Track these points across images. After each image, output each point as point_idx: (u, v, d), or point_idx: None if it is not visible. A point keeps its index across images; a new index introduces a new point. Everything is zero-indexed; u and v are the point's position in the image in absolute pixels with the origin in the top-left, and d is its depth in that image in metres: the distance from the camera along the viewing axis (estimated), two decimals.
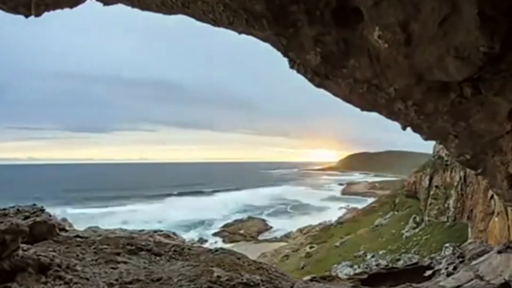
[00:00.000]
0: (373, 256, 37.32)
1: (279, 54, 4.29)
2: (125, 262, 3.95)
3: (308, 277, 6.04)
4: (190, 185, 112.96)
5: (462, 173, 37.34)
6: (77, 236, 4.53)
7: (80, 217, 42.42)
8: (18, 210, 4.35)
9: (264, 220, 63.26)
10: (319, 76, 4.26)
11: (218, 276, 3.71)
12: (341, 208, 73.06)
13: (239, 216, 65.07)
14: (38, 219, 4.26)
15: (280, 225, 61.16)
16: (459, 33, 2.84)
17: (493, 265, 5.90)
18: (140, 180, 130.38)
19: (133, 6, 4.66)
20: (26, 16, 4.57)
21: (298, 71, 4.31)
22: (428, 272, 7.67)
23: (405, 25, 3.05)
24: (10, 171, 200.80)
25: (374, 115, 4.64)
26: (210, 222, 62.18)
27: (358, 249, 40.84)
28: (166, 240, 4.95)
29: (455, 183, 39.04)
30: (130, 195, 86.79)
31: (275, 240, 53.01)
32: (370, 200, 67.09)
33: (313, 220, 62.16)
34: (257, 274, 4.23)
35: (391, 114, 4.50)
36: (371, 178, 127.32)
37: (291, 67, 4.32)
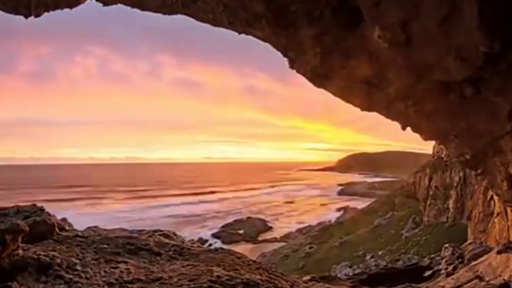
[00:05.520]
0: (372, 257, 37.27)
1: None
2: (125, 262, 3.95)
3: (307, 277, 6.04)
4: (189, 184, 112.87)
5: (461, 174, 37.39)
6: (77, 235, 4.53)
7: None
8: (18, 210, 4.35)
9: (263, 220, 63.20)
10: (319, 76, 4.27)
11: (218, 276, 3.71)
12: (340, 208, 73.10)
13: (238, 216, 65.01)
14: (38, 218, 4.26)
15: (280, 225, 61.15)
16: (459, 33, 2.85)
17: (493, 266, 5.91)
18: None
19: (133, 6, 4.67)
20: (26, 16, 4.57)
21: (298, 71, 4.32)
22: (428, 273, 7.69)
23: (405, 25, 3.05)
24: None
25: (374, 115, 4.65)
26: (210, 221, 62.19)
27: (357, 249, 40.83)
28: (166, 240, 4.95)
29: (455, 184, 39.08)
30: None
31: (275, 240, 52.99)
32: (370, 200, 67.00)
33: (313, 220, 62.18)
34: (257, 273, 4.23)
35: (391, 114, 4.51)
36: (371, 179, 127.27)
37: (291, 67, 4.32)
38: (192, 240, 5.99)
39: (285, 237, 53.87)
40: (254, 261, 4.85)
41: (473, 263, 6.70)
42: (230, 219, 62.82)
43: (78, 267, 3.57)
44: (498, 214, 9.52)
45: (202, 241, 45.12)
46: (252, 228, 57.64)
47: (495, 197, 8.41)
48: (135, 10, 4.66)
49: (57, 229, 4.50)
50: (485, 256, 6.56)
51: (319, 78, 4.30)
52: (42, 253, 3.57)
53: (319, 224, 57.93)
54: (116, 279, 3.49)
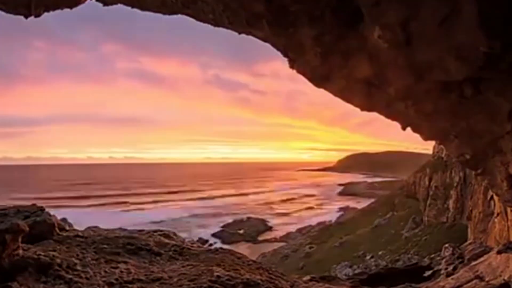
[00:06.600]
0: (372, 257, 37.30)
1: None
2: (125, 262, 3.95)
3: (307, 277, 6.03)
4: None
5: (461, 174, 37.37)
6: (77, 235, 4.53)
7: None
8: (18, 210, 4.35)
9: (263, 220, 63.19)
10: (319, 76, 4.26)
11: (218, 276, 3.71)
12: (340, 208, 73.13)
13: (238, 216, 65.00)
14: (38, 219, 4.26)
15: (280, 225, 61.13)
16: (459, 33, 2.85)
17: (493, 266, 5.90)
18: None
19: (133, 6, 4.67)
20: (26, 16, 4.57)
21: (298, 71, 4.32)
22: (428, 273, 7.68)
23: (405, 25, 3.05)
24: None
25: (374, 114, 4.65)
26: (211, 221, 62.18)
27: (357, 249, 40.81)
28: (166, 240, 4.94)
29: (455, 184, 39.05)
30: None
31: (275, 240, 52.98)
32: (370, 200, 66.95)
33: (313, 220, 62.18)
34: (257, 273, 4.23)
35: (391, 114, 4.51)
36: (371, 179, 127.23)
37: (291, 67, 4.32)
38: (192, 240, 5.96)
39: (285, 237, 53.86)
40: (254, 261, 4.85)
41: (473, 263, 6.69)
42: (230, 219, 62.81)
43: (78, 267, 3.57)
44: (498, 214, 9.52)
45: (202, 241, 45.05)
46: (252, 228, 57.60)
47: (495, 197, 8.41)
48: None
49: (57, 229, 4.50)
50: (485, 256, 6.55)
51: (319, 78, 4.30)
52: (42, 253, 3.57)
53: (319, 224, 57.91)
54: (116, 279, 3.49)
